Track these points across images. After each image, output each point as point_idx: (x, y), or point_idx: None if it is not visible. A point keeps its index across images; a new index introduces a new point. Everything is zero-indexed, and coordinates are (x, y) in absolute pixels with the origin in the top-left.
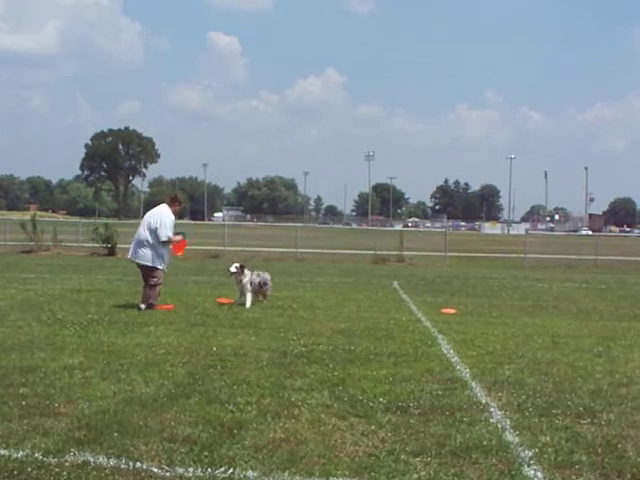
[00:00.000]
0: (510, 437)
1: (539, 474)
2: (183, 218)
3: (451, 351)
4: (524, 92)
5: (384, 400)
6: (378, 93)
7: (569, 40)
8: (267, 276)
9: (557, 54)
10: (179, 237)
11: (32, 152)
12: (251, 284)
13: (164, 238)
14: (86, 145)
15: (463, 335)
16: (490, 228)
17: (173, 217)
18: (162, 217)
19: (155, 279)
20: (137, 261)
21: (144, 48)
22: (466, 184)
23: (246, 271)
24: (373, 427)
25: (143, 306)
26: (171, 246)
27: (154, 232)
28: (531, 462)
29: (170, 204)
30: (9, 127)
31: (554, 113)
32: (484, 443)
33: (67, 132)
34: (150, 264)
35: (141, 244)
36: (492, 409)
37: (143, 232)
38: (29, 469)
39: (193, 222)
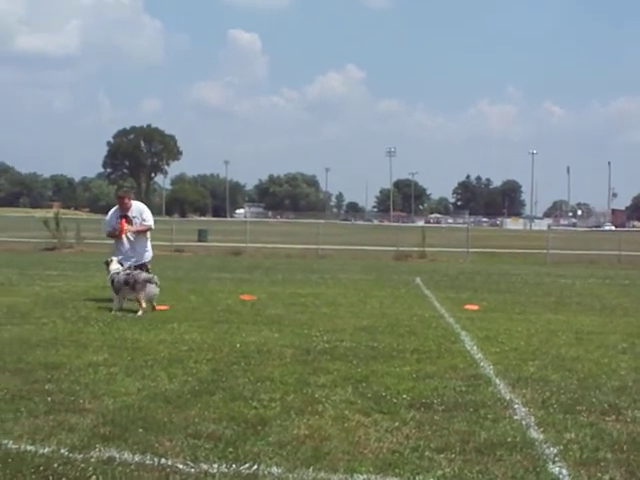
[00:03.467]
0: (535, 434)
1: (564, 471)
2: (205, 215)
3: (474, 347)
4: (546, 87)
5: (408, 397)
6: (398, 88)
7: (591, 34)
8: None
9: (579, 48)
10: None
11: (55, 150)
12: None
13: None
14: (108, 143)
15: (486, 331)
16: (512, 224)
17: (110, 212)
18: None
19: None
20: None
21: (165, 46)
22: (488, 180)
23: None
24: (397, 423)
25: None
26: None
27: None
28: (556, 459)
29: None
30: (32, 126)
31: (576, 107)
32: (508, 440)
33: (89, 130)
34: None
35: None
36: (516, 406)
37: None
38: (55, 465)
39: (215, 219)
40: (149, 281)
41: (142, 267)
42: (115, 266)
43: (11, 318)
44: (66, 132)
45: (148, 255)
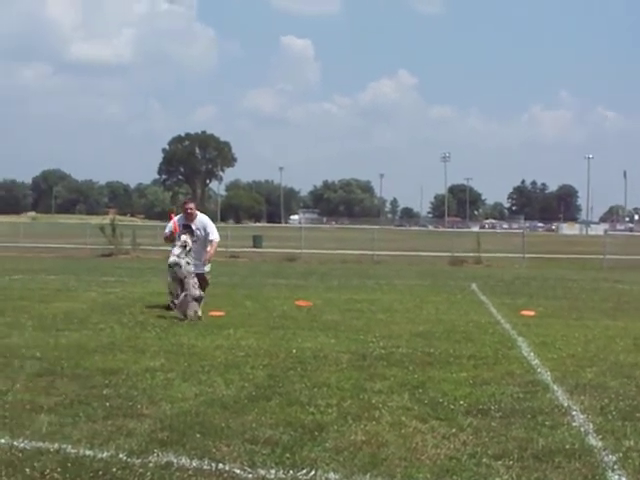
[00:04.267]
0: (593, 441)
1: (623, 479)
2: (260, 221)
3: (531, 354)
4: (599, 91)
5: (465, 403)
6: (450, 94)
7: None
8: None
9: (632, 51)
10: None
11: (111, 157)
12: None
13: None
14: (164, 150)
15: (543, 337)
16: (568, 229)
17: (175, 218)
18: None
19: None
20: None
21: (218, 53)
22: (543, 184)
23: None
24: (454, 430)
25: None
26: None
27: None
28: (615, 467)
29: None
30: (88, 134)
31: (631, 112)
32: (567, 447)
33: (144, 137)
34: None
35: None
36: (574, 412)
37: None
38: (114, 469)
39: (270, 225)
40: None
41: (201, 276)
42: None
43: (69, 324)
44: (121, 139)
45: (207, 266)
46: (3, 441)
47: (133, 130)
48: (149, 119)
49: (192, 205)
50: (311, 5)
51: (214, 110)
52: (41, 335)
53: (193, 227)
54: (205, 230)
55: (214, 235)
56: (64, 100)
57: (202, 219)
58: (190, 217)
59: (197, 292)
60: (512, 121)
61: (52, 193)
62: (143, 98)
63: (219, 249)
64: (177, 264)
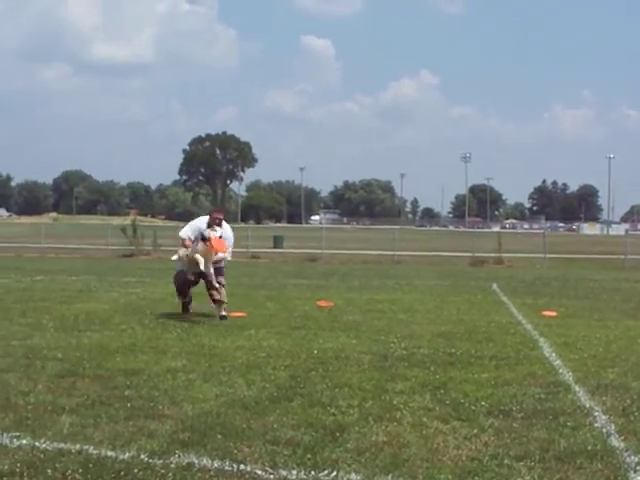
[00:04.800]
0: (615, 442)
1: None
2: (280, 221)
3: (553, 354)
4: (621, 90)
5: (486, 404)
6: (472, 94)
7: None
8: None
9: None
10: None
11: (131, 158)
12: None
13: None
14: (184, 150)
15: (565, 338)
16: (589, 229)
17: (200, 224)
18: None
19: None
20: None
21: (239, 53)
22: (564, 184)
23: None
24: (476, 431)
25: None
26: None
27: None
28: (637, 468)
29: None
30: (108, 134)
31: None
32: (589, 448)
33: (165, 138)
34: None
35: None
36: (596, 413)
37: None
38: (135, 470)
39: (290, 225)
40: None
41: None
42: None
43: (90, 324)
44: (142, 140)
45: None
46: (25, 442)
47: (154, 131)
48: (170, 120)
49: (221, 216)
50: (332, 5)
51: (235, 110)
52: (63, 336)
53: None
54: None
55: (229, 250)
56: (85, 101)
57: (227, 228)
58: (219, 225)
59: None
60: (533, 120)
61: (73, 194)
62: (164, 99)
63: (240, 249)
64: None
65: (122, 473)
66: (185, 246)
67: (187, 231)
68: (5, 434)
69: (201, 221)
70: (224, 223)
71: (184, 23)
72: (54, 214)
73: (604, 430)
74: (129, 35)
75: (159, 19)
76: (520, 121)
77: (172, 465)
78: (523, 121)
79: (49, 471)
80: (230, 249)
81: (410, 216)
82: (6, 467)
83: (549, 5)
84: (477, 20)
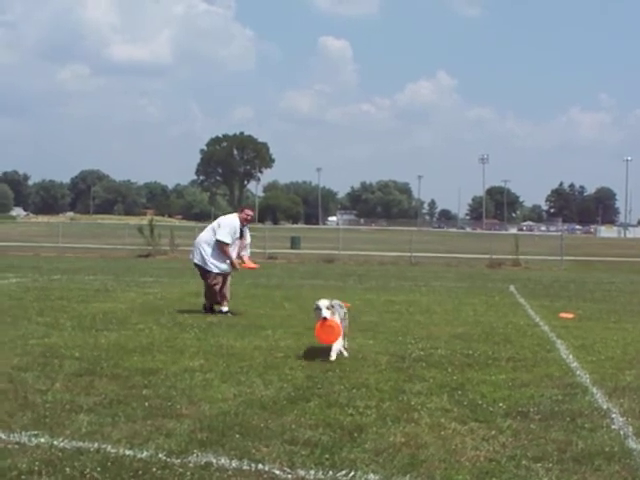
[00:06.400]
0: (633, 444)
1: None
2: (297, 222)
3: (570, 356)
4: (638, 93)
5: (504, 405)
6: (489, 96)
7: None
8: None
9: None
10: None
11: (149, 158)
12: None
13: (219, 237)
14: (202, 150)
15: (582, 340)
16: (606, 231)
17: (236, 223)
18: (224, 221)
19: (208, 280)
20: (194, 261)
21: (256, 54)
22: (581, 187)
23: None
24: (493, 432)
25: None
26: (232, 256)
27: (214, 234)
28: None
29: (239, 212)
30: (126, 134)
31: None
32: (606, 450)
33: (182, 138)
34: (201, 264)
35: (198, 245)
36: (614, 415)
37: (204, 234)
38: (153, 469)
39: (307, 226)
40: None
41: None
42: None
43: (108, 324)
44: (159, 140)
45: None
46: (43, 440)
47: (171, 131)
48: (187, 120)
49: (253, 213)
50: (349, 6)
51: (252, 111)
52: (80, 335)
53: (245, 231)
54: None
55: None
56: (103, 101)
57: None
58: (247, 223)
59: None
60: (550, 123)
61: (90, 193)
62: (182, 99)
63: (257, 250)
64: None
65: (140, 472)
66: (225, 252)
67: (228, 236)
68: (23, 432)
69: (232, 219)
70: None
71: (201, 24)
72: (71, 214)
73: (621, 432)
74: (147, 36)
75: (176, 19)
76: (537, 123)
77: (190, 464)
78: (540, 123)
79: (67, 469)
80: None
81: (427, 218)
82: (24, 465)
83: (566, 8)
84: (494, 22)
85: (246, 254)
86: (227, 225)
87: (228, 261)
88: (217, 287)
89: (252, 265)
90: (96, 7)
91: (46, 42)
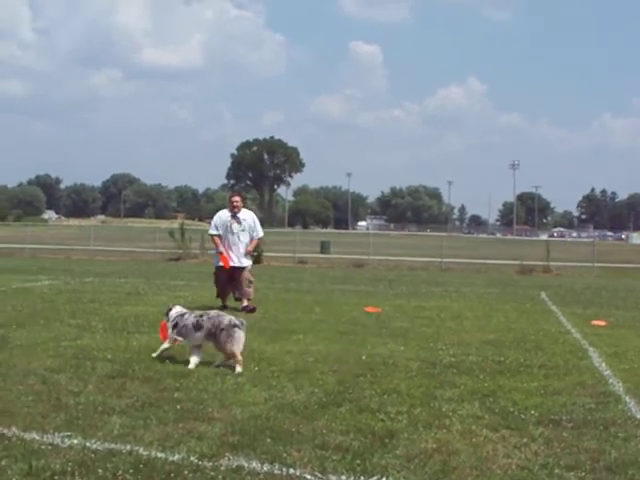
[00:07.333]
0: None
1: None
2: (327, 227)
3: (602, 364)
4: None
5: (536, 413)
6: (520, 101)
7: None
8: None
9: None
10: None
11: (179, 162)
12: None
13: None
14: (232, 155)
15: (615, 348)
16: (638, 238)
17: (221, 214)
18: None
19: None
20: None
21: (286, 59)
22: (613, 193)
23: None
24: (525, 440)
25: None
26: (220, 247)
27: None
28: None
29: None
30: (158, 138)
31: None
32: None
33: (212, 143)
34: None
35: None
36: None
37: None
38: (185, 472)
39: (337, 231)
40: (236, 326)
41: (242, 270)
42: (177, 309)
43: (139, 327)
44: (190, 144)
45: (248, 261)
46: (76, 442)
47: (202, 135)
48: (218, 124)
49: (238, 198)
50: (380, 11)
51: (282, 116)
52: (112, 337)
53: (241, 217)
54: (254, 223)
55: (260, 232)
56: (135, 105)
57: (249, 213)
58: (237, 207)
59: (227, 318)
60: (582, 129)
61: (121, 197)
62: (212, 103)
63: (287, 254)
64: None
65: (172, 475)
66: (215, 243)
67: (211, 228)
68: (56, 433)
69: (219, 212)
70: (245, 210)
71: (232, 29)
72: (102, 217)
73: None
74: (178, 41)
75: (207, 24)
76: (569, 129)
77: (222, 468)
78: (572, 129)
79: (100, 471)
80: (260, 232)
81: (457, 223)
82: (58, 466)
83: (598, 12)
84: (524, 27)
85: (241, 247)
86: (214, 219)
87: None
88: (220, 281)
89: (225, 262)
90: (128, 12)
91: (78, 48)
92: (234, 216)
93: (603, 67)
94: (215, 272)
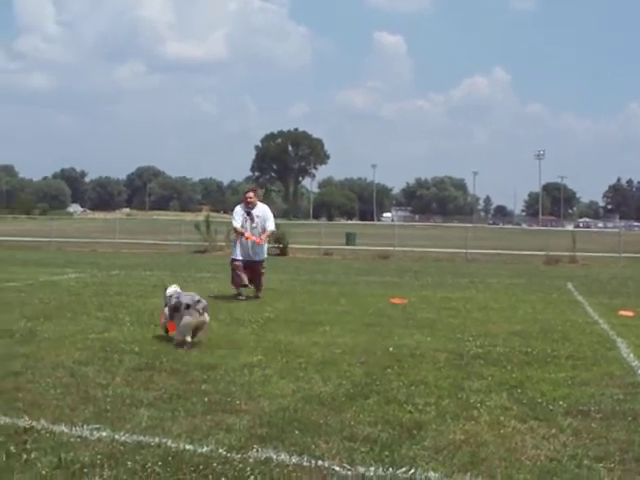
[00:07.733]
0: None
1: None
2: (352, 218)
3: (631, 355)
4: None
5: (564, 403)
6: (545, 91)
7: None
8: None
9: None
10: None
11: (204, 154)
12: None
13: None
14: (256, 147)
15: None
16: None
17: (237, 209)
18: None
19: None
20: None
21: (311, 51)
22: (639, 183)
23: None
24: (554, 431)
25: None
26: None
27: None
28: None
29: None
30: (183, 131)
31: None
32: None
33: (237, 135)
34: None
35: None
36: None
37: None
38: (214, 464)
39: (362, 222)
40: (188, 307)
41: (260, 264)
42: (172, 289)
43: None
44: (215, 136)
45: (264, 255)
46: (104, 434)
47: (226, 127)
48: (242, 116)
49: (252, 194)
50: (403, 1)
51: (307, 107)
52: (139, 330)
53: (254, 214)
54: (266, 216)
55: (272, 227)
56: (159, 98)
57: (263, 208)
58: (251, 203)
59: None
60: (608, 118)
61: (146, 190)
62: (237, 95)
63: (313, 246)
64: None
65: (201, 467)
66: (240, 233)
67: (233, 220)
68: (85, 426)
69: (237, 208)
70: (260, 205)
71: (256, 20)
72: (127, 210)
73: None
74: (202, 33)
75: (231, 16)
76: (594, 119)
77: (250, 460)
78: (598, 119)
79: (129, 463)
80: (272, 226)
81: (482, 214)
82: (87, 458)
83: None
84: (550, 16)
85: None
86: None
87: (238, 243)
88: (236, 271)
89: (255, 238)
90: (152, 5)
91: (103, 41)
92: (249, 213)
93: (628, 56)
94: (231, 262)
